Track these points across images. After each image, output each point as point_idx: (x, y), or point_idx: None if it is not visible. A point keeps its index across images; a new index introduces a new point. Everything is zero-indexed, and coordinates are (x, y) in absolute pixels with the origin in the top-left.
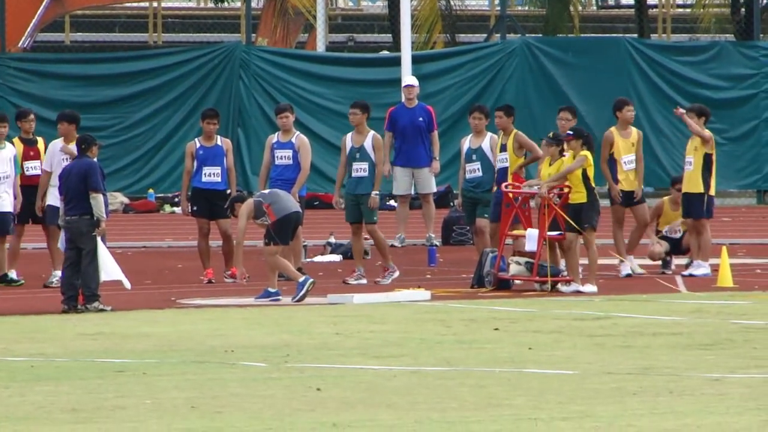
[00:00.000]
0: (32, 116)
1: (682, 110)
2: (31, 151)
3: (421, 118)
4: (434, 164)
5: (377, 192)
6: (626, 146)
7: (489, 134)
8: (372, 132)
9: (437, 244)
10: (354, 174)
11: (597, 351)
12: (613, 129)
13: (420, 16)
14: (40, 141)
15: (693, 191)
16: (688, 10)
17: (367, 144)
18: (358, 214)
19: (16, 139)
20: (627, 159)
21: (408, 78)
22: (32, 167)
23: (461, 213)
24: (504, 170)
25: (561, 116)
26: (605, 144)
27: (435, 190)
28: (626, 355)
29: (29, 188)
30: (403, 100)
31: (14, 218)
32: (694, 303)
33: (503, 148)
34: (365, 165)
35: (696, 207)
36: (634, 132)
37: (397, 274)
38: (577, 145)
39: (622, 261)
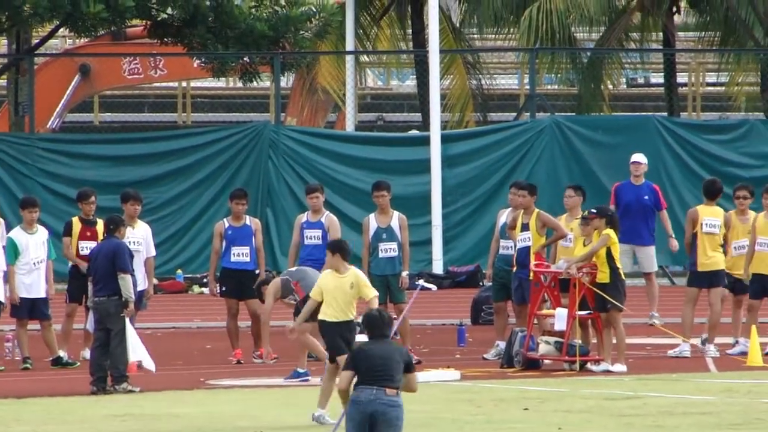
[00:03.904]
0: (93, 198)
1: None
2: (88, 232)
3: (646, 197)
4: (671, 242)
5: (408, 272)
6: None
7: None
8: (396, 212)
9: (657, 323)
10: (382, 255)
11: (627, 431)
12: (731, 213)
13: (452, 95)
14: (100, 223)
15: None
16: (719, 88)
17: (394, 224)
18: (384, 295)
19: (75, 219)
20: (737, 244)
21: (636, 155)
22: (87, 247)
23: (490, 292)
24: (524, 250)
25: (566, 194)
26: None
27: (656, 269)
28: None
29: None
30: (630, 177)
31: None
32: (724, 382)
33: (525, 228)
34: (394, 245)
35: None
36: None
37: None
38: (601, 224)
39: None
